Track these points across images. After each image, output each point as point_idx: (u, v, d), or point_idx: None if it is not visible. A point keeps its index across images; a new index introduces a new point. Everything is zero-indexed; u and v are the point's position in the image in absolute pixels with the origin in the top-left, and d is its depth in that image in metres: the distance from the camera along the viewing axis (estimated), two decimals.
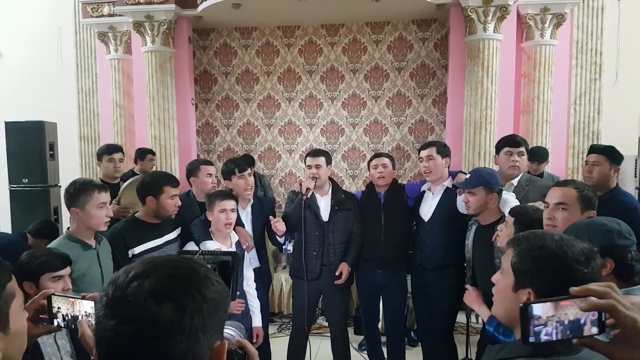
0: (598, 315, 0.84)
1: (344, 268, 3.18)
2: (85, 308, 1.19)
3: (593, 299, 0.84)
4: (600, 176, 2.87)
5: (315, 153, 3.28)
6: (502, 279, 1.17)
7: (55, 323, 1.21)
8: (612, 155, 2.87)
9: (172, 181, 2.77)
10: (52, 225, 3.78)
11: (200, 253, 1.41)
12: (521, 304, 0.88)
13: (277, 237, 3.18)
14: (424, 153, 3.11)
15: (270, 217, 3.16)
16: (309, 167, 3.22)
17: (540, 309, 0.87)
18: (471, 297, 2.33)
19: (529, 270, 1.09)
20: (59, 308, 1.20)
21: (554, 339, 0.87)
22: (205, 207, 2.89)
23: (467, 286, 2.39)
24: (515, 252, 1.13)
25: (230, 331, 1.18)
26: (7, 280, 0.95)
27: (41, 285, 1.83)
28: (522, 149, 3.14)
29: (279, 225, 3.07)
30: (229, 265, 1.35)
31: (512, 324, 1.13)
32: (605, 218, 1.48)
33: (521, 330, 0.89)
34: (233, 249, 2.86)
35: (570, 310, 0.86)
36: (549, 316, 0.87)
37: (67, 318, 1.20)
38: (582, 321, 0.86)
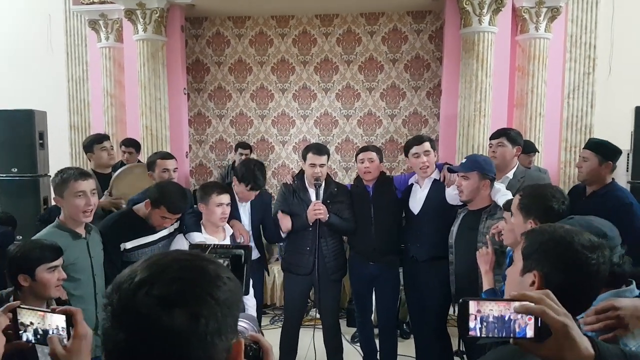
0: (535, 320, 0.89)
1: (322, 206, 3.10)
2: (56, 322, 1.07)
3: (526, 303, 0.89)
4: (589, 171, 2.87)
5: (319, 151, 3.12)
6: (513, 268, 1.20)
7: (25, 338, 1.10)
8: (602, 151, 2.86)
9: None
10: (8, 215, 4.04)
11: (212, 247, 1.36)
12: (461, 300, 0.91)
13: (281, 233, 3.16)
14: (419, 149, 3.05)
15: (279, 212, 3.13)
16: (312, 165, 3.10)
17: (474, 306, 0.90)
18: (484, 258, 2.30)
19: (535, 252, 1.12)
20: (30, 322, 1.10)
21: (478, 335, 0.90)
22: None
23: (483, 248, 2.36)
24: (526, 239, 1.17)
25: (243, 324, 1.14)
26: None
27: (37, 277, 1.82)
28: (501, 139, 3.14)
29: (286, 221, 3.07)
30: (242, 260, 1.32)
31: None
32: (592, 220, 1.43)
33: (458, 325, 0.92)
34: (227, 241, 2.83)
35: (495, 307, 0.90)
36: (475, 312, 0.90)
37: (37, 333, 1.09)
38: (506, 317, 0.90)
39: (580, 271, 1.07)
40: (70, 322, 1.05)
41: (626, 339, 1.19)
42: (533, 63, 4.71)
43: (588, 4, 4.99)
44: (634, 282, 1.31)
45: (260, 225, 3.29)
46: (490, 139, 3.29)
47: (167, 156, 3.39)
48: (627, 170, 4.25)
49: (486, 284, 2.25)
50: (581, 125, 5.05)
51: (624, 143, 4.24)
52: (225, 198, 2.75)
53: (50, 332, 1.07)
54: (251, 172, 3.01)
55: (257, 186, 3.03)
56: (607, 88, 5.11)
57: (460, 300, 0.91)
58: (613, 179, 2.90)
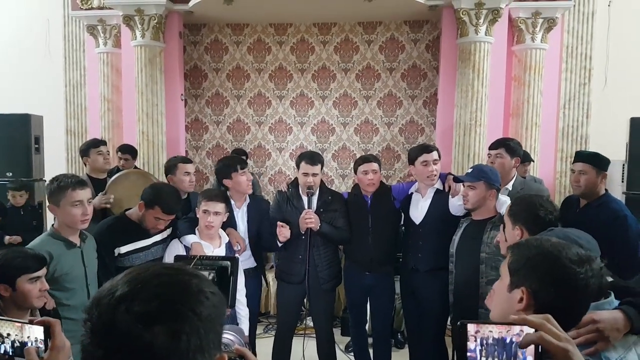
0: (535, 346, 0.87)
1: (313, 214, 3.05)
2: (35, 334, 1.05)
3: (525, 330, 0.87)
4: (588, 184, 2.83)
5: (312, 160, 3.08)
6: (500, 283, 1.18)
7: (2, 350, 1.07)
8: (598, 163, 2.84)
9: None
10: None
11: (197, 259, 1.35)
12: (459, 322, 0.89)
13: (278, 242, 3.06)
14: (429, 157, 2.99)
15: (278, 223, 3.02)
16: (305, 174, 3.07)
17: (473, 328, 0.89)
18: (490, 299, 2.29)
19: (522, 267, 1.11)
20: (8, 334, 1.07)
21: (478, 358, 0.88)
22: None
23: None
24: (512, 254, 1.15)
25: (230, 336, 1.13)
26: None
27: (18, 287, 1.76)
28: (500, 150, 3.11)
29: (285, 231, 2.98)
30: (228, 271, 1.30)
31: None
32: (569, 233, 1.43)
33: (455, 349, 0.90)
34: (222, 249, 2.82)
35: (494, 329, 0.88)
36: (474, 333, 0.89)
37: (15, 344, 1.06)
38: (507, 340, 0.88)
39: (568, 286, 1.05)
40: (49, 333, 1.02)
41: (607, 352, 1.17)
42: (529, 73, 4.74)
43: (584, 15, 5.03)
44: (612, 294, 1.28)
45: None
46: (490, 149, 3.25)
47: (187, 160, 3.44)
48: (622, 181, 4.26)
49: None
50: (577, 136, 5.07)
51: (619, 154, 4.27)
52: (211, 206, 2.70)
53: (29, 344, 1.04)
54: (227, 159, 3.28)
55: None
56: (602, 99, 5.15)
57: (458, 323, 0.89)
58: (606, 189, 2.89)
